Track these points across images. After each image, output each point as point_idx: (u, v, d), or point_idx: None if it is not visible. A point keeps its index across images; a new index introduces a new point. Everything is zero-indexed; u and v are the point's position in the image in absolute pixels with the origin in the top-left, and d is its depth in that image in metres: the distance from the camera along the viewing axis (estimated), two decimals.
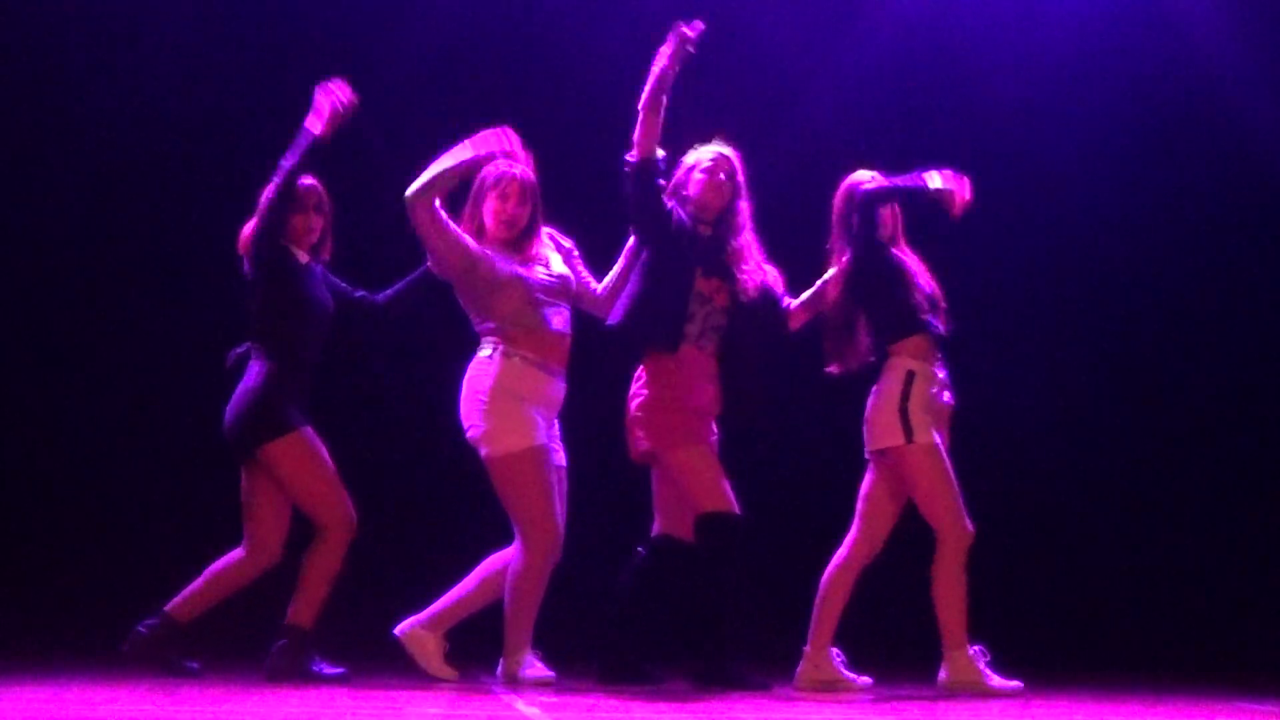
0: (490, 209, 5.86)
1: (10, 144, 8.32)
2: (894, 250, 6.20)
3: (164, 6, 8.32)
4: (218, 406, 5.96)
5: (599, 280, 6.16)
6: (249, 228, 5.93)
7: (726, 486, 5.88)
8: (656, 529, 6.09)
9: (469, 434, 5.80)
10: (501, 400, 5.70)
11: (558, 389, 5.86)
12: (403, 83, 8.34)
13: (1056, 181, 8.87)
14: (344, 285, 6.12)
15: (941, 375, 6.15)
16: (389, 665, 6.13)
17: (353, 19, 8.53)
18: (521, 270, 5.83)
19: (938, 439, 6.07)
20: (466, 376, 5.81)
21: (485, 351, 5.79)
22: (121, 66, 8.30)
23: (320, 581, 5.81)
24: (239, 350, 5.96)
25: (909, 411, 6.00)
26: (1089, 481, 8.99)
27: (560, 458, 5.91)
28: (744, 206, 6.09)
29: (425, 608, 5.97)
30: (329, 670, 5.82)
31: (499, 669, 5.85)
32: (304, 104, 8.36)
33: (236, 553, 5.90)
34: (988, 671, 6.00)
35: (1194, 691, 6.68)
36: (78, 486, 8.35)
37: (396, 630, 5.95)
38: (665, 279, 5.91)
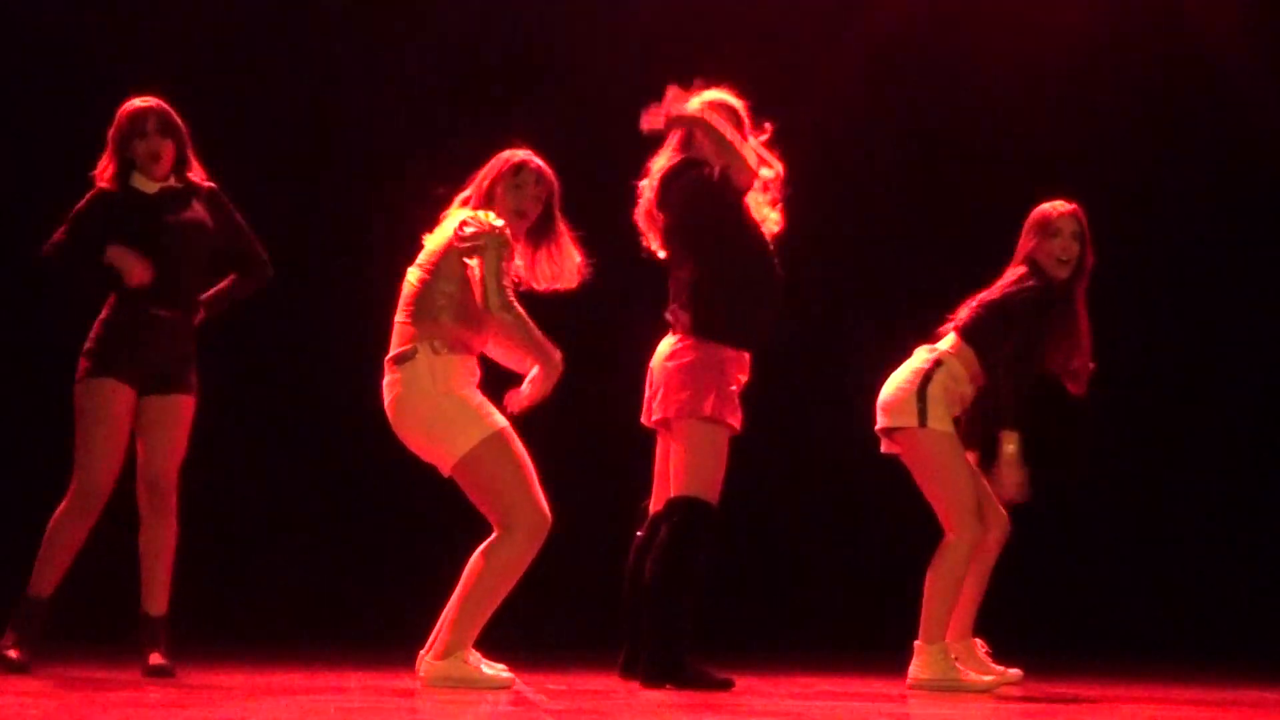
0: (501, 193, 5.37)
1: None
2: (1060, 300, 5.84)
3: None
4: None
5: None
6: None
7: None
8: (656, 506, 5.57)
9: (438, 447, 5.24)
10: (453, 400, 5.20)
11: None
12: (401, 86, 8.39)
13: (1057, 182, 8.86)
14: (246, 236, 5.75)
15: (971, 393, 5.82)
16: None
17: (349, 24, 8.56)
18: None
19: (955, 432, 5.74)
20: (409, 388, 5.23)
21: (423, 354, 5.22)
22: (121, 62, 8.31)
23: (59, 546, 5.42)
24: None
25: (928, 395, 5.68)
26: (1094, 470, 9.00)
27: None
28: None
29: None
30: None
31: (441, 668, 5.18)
32: (309, 105, 8.31)
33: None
34: (965, 669, 5.68)
35: (1204, 676, 6.74)
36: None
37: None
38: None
